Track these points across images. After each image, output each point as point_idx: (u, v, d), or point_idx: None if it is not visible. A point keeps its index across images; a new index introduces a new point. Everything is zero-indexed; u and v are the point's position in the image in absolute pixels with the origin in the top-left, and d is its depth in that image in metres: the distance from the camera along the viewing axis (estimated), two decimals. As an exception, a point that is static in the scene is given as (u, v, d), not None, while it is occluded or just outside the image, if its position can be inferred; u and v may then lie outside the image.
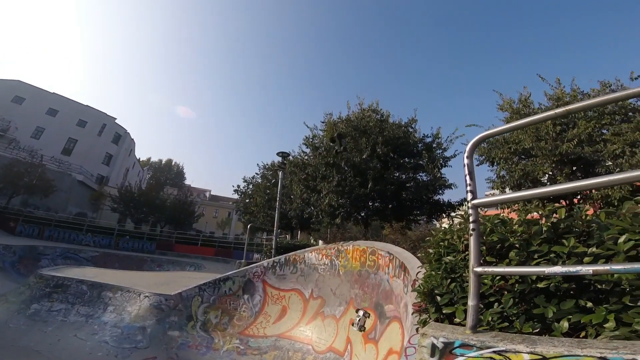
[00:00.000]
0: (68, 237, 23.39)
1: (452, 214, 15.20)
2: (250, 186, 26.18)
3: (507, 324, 2.17)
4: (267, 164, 25.62)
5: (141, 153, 69.50)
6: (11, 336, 7.99)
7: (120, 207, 30.95)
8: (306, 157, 16.28)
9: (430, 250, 3.10)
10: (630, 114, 9.98)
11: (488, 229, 2.50)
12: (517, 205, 12.11)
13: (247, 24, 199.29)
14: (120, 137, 43.80)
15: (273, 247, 11.98)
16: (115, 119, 43.01)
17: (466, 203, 1.97)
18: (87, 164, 36.91)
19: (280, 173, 13.74)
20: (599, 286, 1.84)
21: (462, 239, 2.74)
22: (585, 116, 10.22)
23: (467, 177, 1.83)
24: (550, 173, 10.48)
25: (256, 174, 26.18)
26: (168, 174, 63.50)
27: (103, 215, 33.86)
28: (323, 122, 15.40)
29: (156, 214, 31.90)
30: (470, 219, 1.82)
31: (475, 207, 1.81)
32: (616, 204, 9.46)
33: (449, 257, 2.75)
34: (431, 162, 13.77)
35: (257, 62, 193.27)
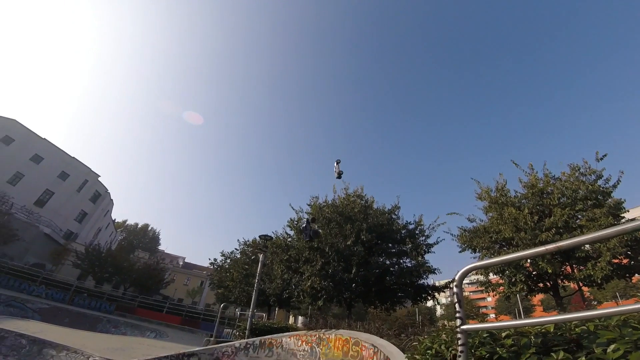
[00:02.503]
0: (18, 286, 21.44)
1: (437, 296, 14.96)
2: (228, 260, 25.88)
3: None
4: (248, 241, 25.75)
5: (118, 214, 67.86)
6: None
7: (84, 264, 29.22)
8: (290, 239, 16.34)
9: (417, 357, 3.01)
10: (599, 197, 10.52)
11: (477, 342, 2.50)
12: (501, 287, 12.11)
13: (241, 96, 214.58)
14: (100, 197, 42.74)
15: (247, 327, 11.04)
16: (99, 176, 42.49)
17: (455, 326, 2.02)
18: (58, 218, 35.19)
19: (261, 256, 13.59)
20: None
21: (450, 349, 2.72)
22: (560, 204, 10.83)
23: (457, 305, 1.94)
24: (532, 259, 10.71)
25: (236, 249, 26.18)
26: (142, 237, 61.71)
27: (64, 270, 31.21)
28: (309, 205, 15.84)
29: (122, 276, 30.11)
30: (459, 342, 1.89)
31: (464, 332, 1.90)
32: (599, 282, 9.57)
33: None
34: (414, 248, 14.03)
35: (251, 143, 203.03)
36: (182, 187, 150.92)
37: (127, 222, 64.35)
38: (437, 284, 15.45)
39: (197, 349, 8.97)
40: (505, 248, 11.66)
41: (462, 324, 1.89)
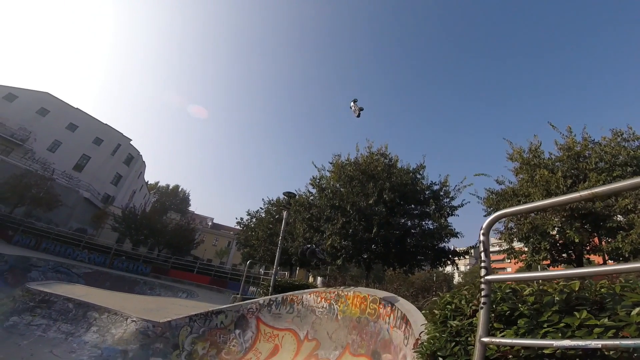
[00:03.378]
0: (64, 252, 23.21)
1: (457, 261, 14.91)
2: (254, 220, 26.43)
3: None
4: (272, 200, 25.98)
5: (151, 176, 70.83)
6: None
7: (122, 227, 30.94)
8: (312, 198, 16.41)
9: (436, 312, 3.01)
10: None
11: (499, 297, 2.46)
12: (524, 255, 11.85)
13: (266, 65, 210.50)
14: (133, 159, 44.67)
15: (271, 284, 11.65)
16: (131, 140, 44.18)
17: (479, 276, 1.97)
18: (96, 182, 37.44)
19: (285, 213, 13.82)
20: (606, 353, 1.82)
21: (470, 304, 2.69)
22: (597, 168, 10.16)
23: (482, 254, 1.88)
24: (560, 226, 10.31)
25: (260, 208, 26.56)
26: (174, 199, 64.24)
27: (103, 233, 33.62)
28: (331, 164, 15.61)
29: (156, 238, 31.78)
30: (483, 293, 1.85)
31: (488, 282, 1.85)
32: (627, 255, 9.19)
33: (455, 322, 2.68)
34: (438, 210, 13.74)
35: (274, 103, 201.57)
36: (209, 148, 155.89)
37: (159, 184, 66.93)
38: (458, 249, 15.32)
39: (224, 306, 9.55)
40: (533, 213, 11.23)
41: (487, 274, 1.85)
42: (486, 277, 1.84)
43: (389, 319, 6.00)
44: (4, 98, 34.85)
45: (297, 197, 15.97)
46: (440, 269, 16.36)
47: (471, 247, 15.33)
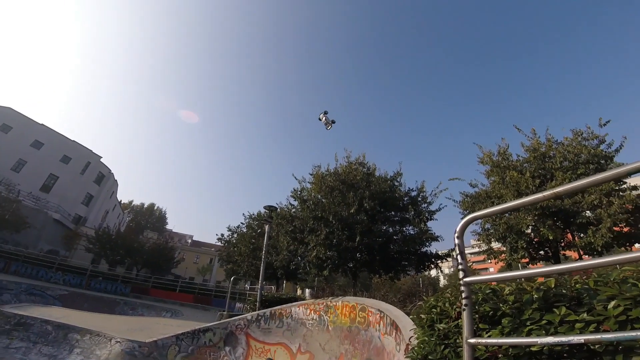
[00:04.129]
0: (36, 274, 22.03)
1: (440, 264, 15.29)
2: (235, 235, 26.01)
3: None
4: (253, 214, 25.62)
5: (124, 195, 68.31)
6: None
7: (96, 247, 29.84)
8: (294, 210, 16.27)
9: (423, 316, 3.11)
10: (602, 161, 10.49)
11: (480, 298, 2.57)
12: (503, 255, 12.33)
13: (242, 72, 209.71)
14: (104, 178, 42.80)
15: (257, 299, 11.46)
16: (101, 157, 42.39)
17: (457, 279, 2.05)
18: (65, 203, 35.63)
19: (267, 227, 13.67)
20: (592, 347, 1.90)
21: (454, 307, 2.79)
22: (562, 167, 10.79)
23: (459, 257, 1.93)
24: (534, 225, 10.79)
25: (241, 223, 26.15)
26: (149, 218, 62.41)
27: (77, 255, 32.07)
28: (311, 175, 15.70)
29: (134, 257, 30.83)
30: (463, 295, 1.91)
31: (467, 284, 1.91)
32: (599, 249, 9.73)
33: (441, 325, 2.77)
34: (417, 215, 13.98)
35: (249, 113, 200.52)
36: (184, 164, 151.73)
37: (133, 203, 64.90)
38: (440, 253, 15.73)
39: (211, 324, 9.38)
40: (507, 214, 11.74)
41: (465, 276, 1.90)
42: (465, 279, 1.90)
43: (379, 326, 6.08)
44: None
45: (278, 210, 15.97)
46: (425, 273, 16.61)
47: (452, 250, 15.75)
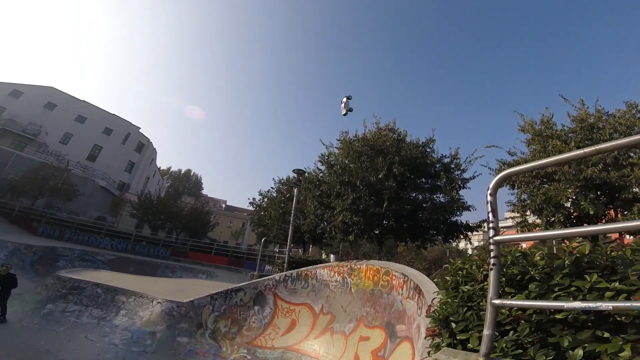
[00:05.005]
0: (87, 240, 24.11)
1: (470, 236, 14.96)
2: (266, 199, 26.87)
3: (520, 351, 2.17)
4: (282, 179, 26.36)
5: (162, 162, 71.67)
6: (24, 335, 8.18)
7: (139, 213, 31.79)
8: (321, 175, 16.55)
9: (448, 278, 3.08)
10: None
11: (509, 261, 2.48)
12: (537, 228, 11.78)
13: (269, 43, 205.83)
14: (143, 146, 45.25)
15: (285, 261, 11.99)
16: (140, 128, 44.57)
17: (486, 235, 2.01)
18: (110, 171, 38.25)
19: (295, 190, 14.01)
20: (618, 318, 1.83)
21: (481, 269, 2.73)
22: (611, 139, 9.92)
23: (490, 215, 1.87)
24: (574, 198, 10.13)
25: (272, 188, 27.03)
26: (186, 183, 65.28)
27: (122, 220, 34.68)
28: (339, 140, 15.62)
29: (173, 222, 32.61)
30: (492, 254, 1.85)
31: (497, 243, 1.84)
32: None
33: (466, 287, 2.73)
34: (449, 183, 13.63)
35: (279, 82, 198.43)
36: (217, 131, 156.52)
37: (171, 169, 68.13)
38: (470, 224, 15.33)
39: (242, 284, 9.87)
40: (546, 184, 11.06)
41: (495, 235, 1.84)
42: (495, 238, 1.83)
43: (402, 290, 6.14)
44: (9, 95, 35.32)
45: (306, 174, 16.12)
46: (454, 243, 16.38)
47: (483, 221, 15.27)
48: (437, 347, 2.76)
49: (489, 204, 1.88)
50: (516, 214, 12.53)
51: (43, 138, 34.51)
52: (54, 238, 22.91)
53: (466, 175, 14.09)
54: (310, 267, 9.71)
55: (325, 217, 15.63)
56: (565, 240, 2.58)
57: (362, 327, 7.04)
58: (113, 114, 42.01)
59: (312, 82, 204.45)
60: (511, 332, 2.29)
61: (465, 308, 2.61)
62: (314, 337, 8.10)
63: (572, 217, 10.83)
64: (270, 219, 23.88)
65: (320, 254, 27.46)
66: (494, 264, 1.85)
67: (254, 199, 28.09)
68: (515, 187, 11.73)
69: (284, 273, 10.13)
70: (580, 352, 1.88)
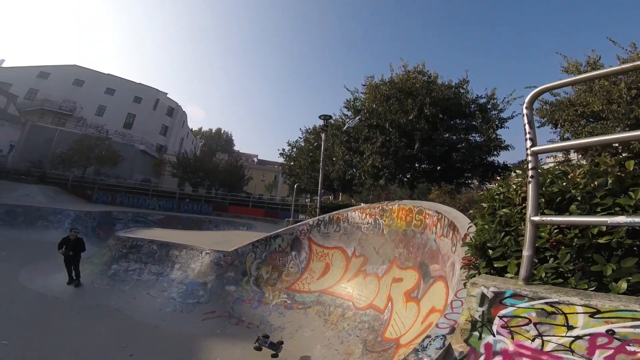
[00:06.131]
0: (136, 202, 26.13)
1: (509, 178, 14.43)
2: (294, 150, 27.43)
3: (561, 280, 2.12)
4: (309, 128, 26.50)
5: (192, 124, 73.53)
6: (97, 296, 8.93)
7: (179, 172, 33.69)
8: (348, 120, 16.30)
9: (484, 204, 2.98)
10: None
11: (548, 180, 2.33)
12: (581, 169, 11.12)
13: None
14: (173, 110, 46.81)
15: (317, 206, 12.38)
16: (167, 93, 45.79)
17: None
18: (146, 136, 40.25)
19: (322, 135, 14.05)
20: None
21: (519, 192, 2.62)
22: None
23: (527, 126, 1.84)
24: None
25: (299, 137, 27.41)
26: (218, 141, 67.13)
27: (164, 180, 37.08)
28: (364, 85, 15.37)
29: (210, 178, 34.32)
30: (529, 165, 1.78)
31: (535, 154, 1.78)
32: None
33: (504, 210, 2.64)
34: (485, 123, 13.25)
35: (299, 29, 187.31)
36: (241, 87, 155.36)
37: (202, 129, 70.47)
38: (508, 164, 14.72)
39: (279, 230, 10.34)
40: (592, 123, 10.23)
41: (532, 145, 1.80)
42: (532, 149, 1.79)
43: (436, 228, 6.08)
44: (38, 77, 37.14)
45: (332, 120, 16.08)
46: (490, 186, 16.00)
47: (522, 161, 14.70)
48: (468, 284, 2.76)
49: (525, 117, 1.83)
50: (559, 154, 11.97)
51: (79, 113, 36.65)
52: (108, 203, 24.95)
53: (504, 115, 13.66)
54: (341, 210, 9.81)
55: (354, 162, 15.78)
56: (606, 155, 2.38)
57: (394, 268, 7.09)
58: (139, 83, 43.24)
59: (332, 32, 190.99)
60: (551, 259, 2.22)
61: (503, 233, 2.55)
62: (347, 279, 8.34)
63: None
64: (301, 168, 24.48)
65: (350, 202, 28.20)
66: (532, 176, 1.78)
67: (283, 149, 28.80)
68: (559, 126, 11.18)
69: (317, 217, 10.35)
70: (624, 284, 1.80)
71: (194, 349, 6.55)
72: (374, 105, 14.41)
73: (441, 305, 4.45)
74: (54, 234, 14.16)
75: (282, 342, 6.35)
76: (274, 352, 6.11)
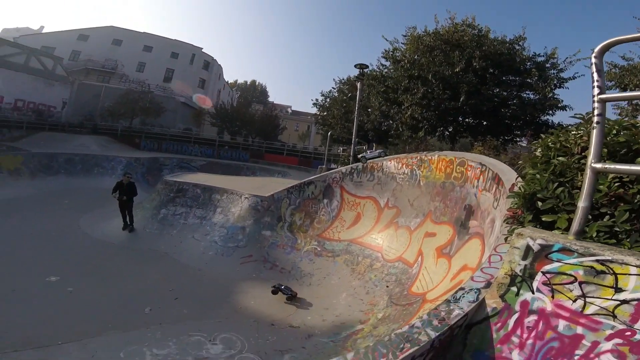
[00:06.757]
0: (180, 149, 27.81)
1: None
2: (328, 100, 27.23)
3: (614, 240, 1.92)
4: (342, 79, 26.12)
5: (228, 77, 74.08)
6: (148, 240, 9.34)
7: (218, 121, 35.73)
8: (386, 70, 16.17)
9: (538, 152, 2.66)
10: None
11: (614, 131, 2.05)
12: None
13: None
14: (209, 64, 47.76)
15: (351, 154, 12.27)
16: (202, 48, 46.48)
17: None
18: (185, 89, 42.04)
19: (358, 85, 13.72)
20: None
21: (579, 142, 2.35)
22: None
23: (595, 74, 1.77)
24: None
25: (332, 88, 27.09)
26: (253, 93, 68.18)
27: (204, 129, 39.24)
28: (404, 36, 14.90)
29: (247, 127, 35.88)
30: (595, 112, 1.69)
31: (602, 101, 1.70)
32: None
33: (560, 158, 2.34)
34: (543, 81, 12.61)
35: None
36: (272, 38, 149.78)
37: (238, 82, 71.36)
38: (565, 125, 13.54)
39: (313, 177, 10.33)
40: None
41: (600, 93, 1.70)
42: (600, 96, 1.70)
43: (478, 182, 5.75)
44: (78, 39, 39.25)
45: (368, 71, 15.62)
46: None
47: (587, 114, 13.70)
48: (513, 235, 2.56)
49: (593, 65, 1.75)
50: (625, 118, 10.92)
51: (121, 70, 38.86)
52: (154, 150, 26.59)
53: (565, 75, 12.80)
54: (376, 159, 9.55)
55: (391, 113, 15.43)
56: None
57: (428, 222, 6.89)
58: (175, 40, 44.41)
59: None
60: (606, 217, 1.99)
61: (556, 184, 2.28)
62: (377, 230, 8.25)
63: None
64: (334, 118, 24.38)
65: (385, 153, 27.94)
66: (597, 122, 1.68)
67: (316, 100, 28.78)
68: (628, 90, 10.26)
69: (350, 166, 10.14)
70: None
71: (232, 292, 6.93)
72: (415, 56, 13.90)
73: (474, 263, 4.33)
74: (108, 181, 15.10)
75: (296, 294, 6.67)
76: (289, 295, 6.53)
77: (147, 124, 31.84)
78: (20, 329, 4.83)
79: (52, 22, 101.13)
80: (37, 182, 15.71)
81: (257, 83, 71.99)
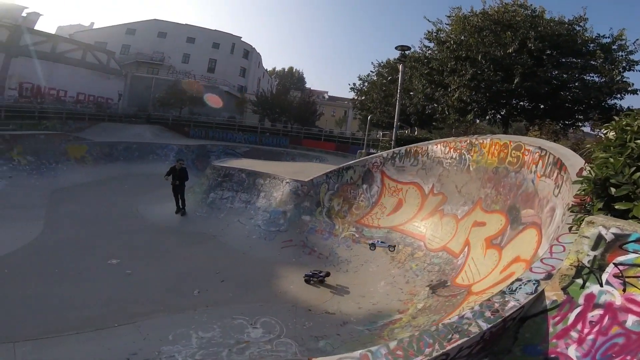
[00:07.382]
0: (225, 136, 29.24)
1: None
2: (366, 84, 26.79)
3: None
4: (382, 62, 25.61)
5: (267, 64, 75.29)
6: (198, 223, 9.86)
7: (259, 109, 36.85)
8: (429, 52, 15.75)
9: (611, 135, 2.38)
10: None
11: None
12: None
13: None
14: (249, 53, 49.08)
15: (393, 138, 11.93)
16: (241, 37, 47.78)
17: None
18: (227, 78, 43.66)
19: (400, 67, 13.29)
20: None
21: None
22: None
23: None
24: None
25: (371, 72, 26.58)
26: (291, 79, 69.16)
27: (247, 117, 40.67)
28: (449, 17, 14.40)
29: (286, 114, 36.63)
30: None
31: None
32: None
33: (638, 142, 2.05)
34: (610, 63, 11.82)
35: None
36: (311, 22, 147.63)
37: (276, 69, 73.01)
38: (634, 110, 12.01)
39: (352, 162, 10.16)
40: None
41: None
42: None
43: (536, 167, 5.32)
44: (126, 34, 41.69)
45: (410, 54, 15.10)
46: (606, 132, 13.55)
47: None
48: (581, 223, 2.33)
49: None
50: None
51: (168, 62, 41.07)
52: (202, 138, 28.13)
53: (635, 57, 11.96)
54: (421, 142, 9.13)
55: (435, 96, 14.81)
56: None
57: (478, 210, 6.49)
58: (214, 30, 45.87)
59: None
60: None
61: (634, 168, 2.01)
62: (420, 218, 7.88)
63: None
64: (373, 102, 23.93)
65: (429, 137, 26.78)
66: None
67: (354, 84, 28.29)
68: None
69: (392, 150, 9.79)
70: None
71: (272, 276, 7.16)
72: (462, 37, 13.32)
73: (529, 255, 4.04)
74: (162, 167, 15.95)
75: (328, 274, 6.85)
76: (321, 278, 6.71)
77: (194, 113, 33.66)
78: (80, 310, 5.26)
79: (100, 18, 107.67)
80: (99, 169, 17.39)
81: (294, 70, 72.84)
